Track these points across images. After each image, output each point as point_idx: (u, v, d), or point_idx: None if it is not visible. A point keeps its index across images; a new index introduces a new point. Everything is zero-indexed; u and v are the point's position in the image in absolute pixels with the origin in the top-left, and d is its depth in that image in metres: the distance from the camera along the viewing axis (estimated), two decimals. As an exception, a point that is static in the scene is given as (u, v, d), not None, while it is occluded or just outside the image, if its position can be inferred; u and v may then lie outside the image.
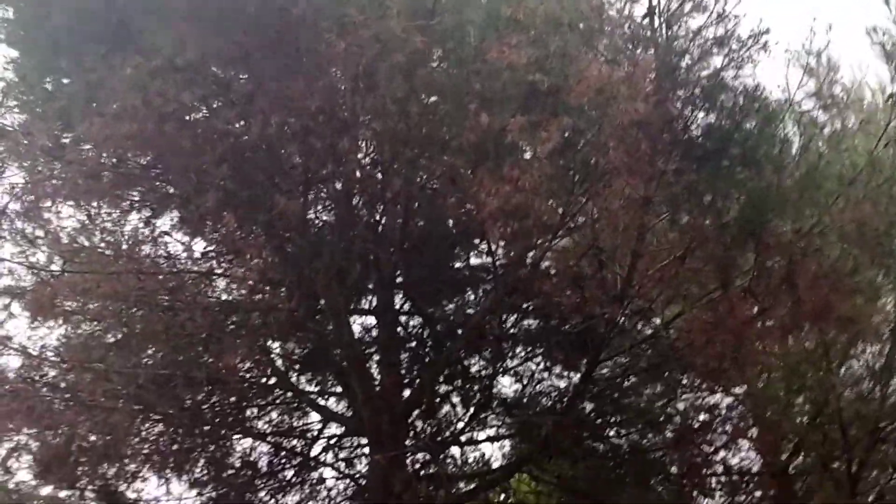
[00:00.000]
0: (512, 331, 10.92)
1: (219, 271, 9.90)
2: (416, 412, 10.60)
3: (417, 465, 10.32)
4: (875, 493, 11.51)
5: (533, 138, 6.24)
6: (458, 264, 11.02)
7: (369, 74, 6.50)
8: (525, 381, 11.39)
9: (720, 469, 12.25)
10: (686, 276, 7.41)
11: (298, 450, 11.30)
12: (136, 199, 9.23)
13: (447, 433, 10.95)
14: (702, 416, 11.88)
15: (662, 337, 8.56)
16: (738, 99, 6.92)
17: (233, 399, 10.62)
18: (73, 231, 9.02)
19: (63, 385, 9.64)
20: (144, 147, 6.68)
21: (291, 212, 6.86)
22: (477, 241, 10.69)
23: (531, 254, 8.03)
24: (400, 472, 9.42)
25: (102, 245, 9.37)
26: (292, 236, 7.59)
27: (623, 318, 8.26)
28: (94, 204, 8.73)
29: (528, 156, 6.44)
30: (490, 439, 11.28)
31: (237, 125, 6.52)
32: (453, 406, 11.36)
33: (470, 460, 11.22)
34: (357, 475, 10.50)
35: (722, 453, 12.14)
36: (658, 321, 9.05)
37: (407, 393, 10.47)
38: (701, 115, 7.00)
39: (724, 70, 6.95)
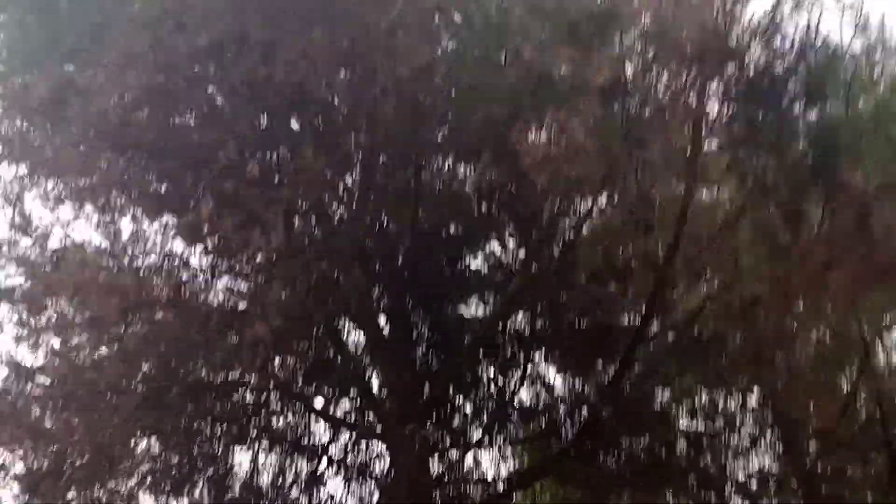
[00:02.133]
0: (530, 332, 10.43)
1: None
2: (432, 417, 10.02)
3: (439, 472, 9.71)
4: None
5: (584, 69, 5.80)
6: (473, 262, 10.50)
7: (396, 27, 6.06)
8: (544, 388, 10.89)
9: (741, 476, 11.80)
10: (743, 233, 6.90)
11: (304, 464, 10.59)
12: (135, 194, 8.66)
13: (465, 438, 10.39)
14: (720, 421, 11.44)
15: (701, 317, 8.02)
16: (799, 34, 6.56)
17: (234, 412, 9.92)
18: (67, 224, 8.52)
19: (52, 399, 8.95)
20: (154, 100, 6.11)
21: (315, 171, 6.32)
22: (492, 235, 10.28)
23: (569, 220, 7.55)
24: (423, 478, 8.81)
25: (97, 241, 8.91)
26: (310, 209, 7.02)
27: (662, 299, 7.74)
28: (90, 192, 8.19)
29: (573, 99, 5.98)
30: (510, 443, 10.69)
31: (259, 72, 6.00)
32: (465, 416, 10.82)
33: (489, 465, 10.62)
34: (378, 479, 9.80)
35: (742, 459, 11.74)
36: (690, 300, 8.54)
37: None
38: (761, 49, 6.62)
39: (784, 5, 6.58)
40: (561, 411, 10.71)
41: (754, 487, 11.77)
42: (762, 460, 11.88)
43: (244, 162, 6.06)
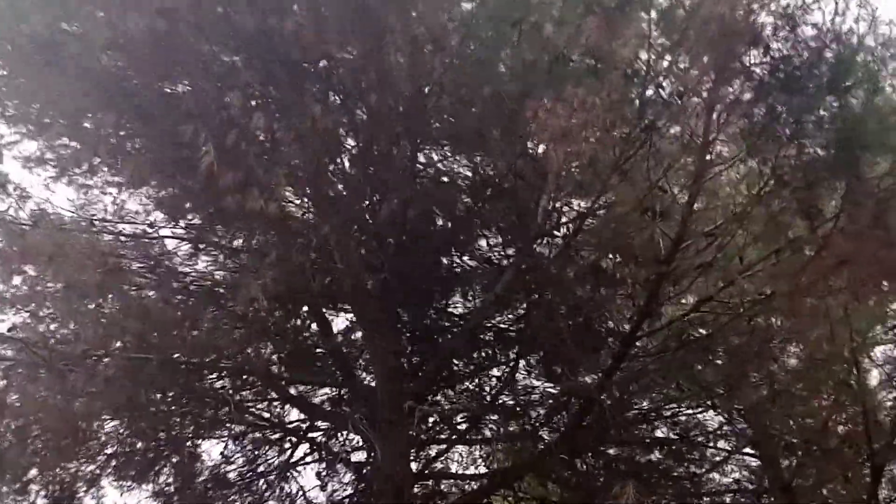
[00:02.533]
0: (515, 329, 10.19)
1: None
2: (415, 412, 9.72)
3: (420, 465, 9.41)
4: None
5: (604, 46, 5.59)
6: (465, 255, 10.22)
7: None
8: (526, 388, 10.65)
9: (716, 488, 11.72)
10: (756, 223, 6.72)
11: (277, 454, 10.22)
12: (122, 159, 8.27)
13: (445, 435, 10.11)
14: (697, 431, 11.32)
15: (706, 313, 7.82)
16: (826, 23, 6.42)
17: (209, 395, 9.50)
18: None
19: (21, 370, 8.48)
20: (154, 49, 5.74)
21: (324, 129, 6.03)
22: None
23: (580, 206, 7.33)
24: (405, 471, 8.50)
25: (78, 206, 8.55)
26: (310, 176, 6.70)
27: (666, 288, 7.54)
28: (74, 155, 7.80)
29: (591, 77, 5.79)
30: (490, 440, 10.44)
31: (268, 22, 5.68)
32: (443, 413, 10.53)
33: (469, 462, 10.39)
34: (361, 470, 9.46)
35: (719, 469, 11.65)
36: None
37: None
38: (786, 35, 6.46)
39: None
40: (545, 410, 10.49)
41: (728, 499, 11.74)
42: (740, 472, 11.87)
43: (248, 115, 5.74)
